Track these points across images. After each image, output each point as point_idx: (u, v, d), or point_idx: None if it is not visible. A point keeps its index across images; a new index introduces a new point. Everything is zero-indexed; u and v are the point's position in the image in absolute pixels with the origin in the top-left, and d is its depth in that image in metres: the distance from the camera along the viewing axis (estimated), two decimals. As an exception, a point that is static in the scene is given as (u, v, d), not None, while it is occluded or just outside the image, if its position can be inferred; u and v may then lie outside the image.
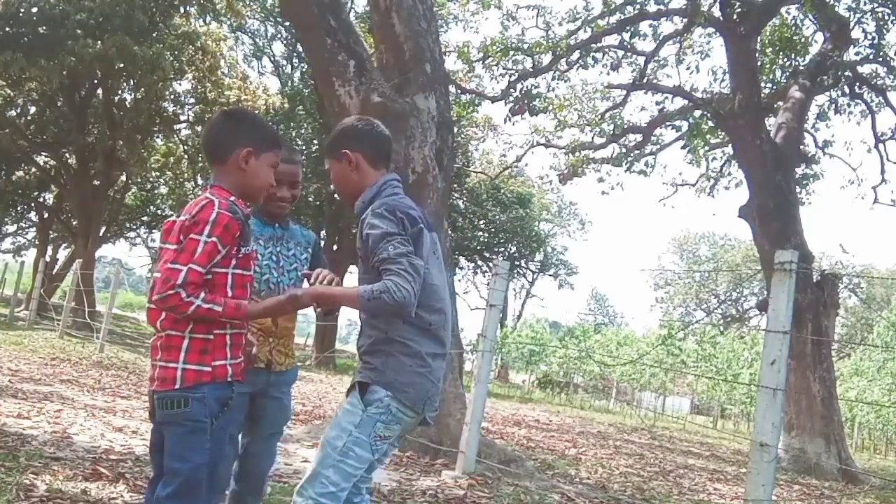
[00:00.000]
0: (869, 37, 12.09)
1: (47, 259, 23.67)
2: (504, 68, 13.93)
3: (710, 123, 13.17)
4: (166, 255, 2.06)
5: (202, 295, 2.03)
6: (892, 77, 12.65)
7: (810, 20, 12.53)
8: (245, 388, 2.50)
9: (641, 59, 13.72)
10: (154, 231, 29.73)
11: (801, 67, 12.37)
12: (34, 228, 28.09)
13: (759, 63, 11.97)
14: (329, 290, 2.29)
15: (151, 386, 2.12)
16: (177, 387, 2.03)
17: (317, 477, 2.19)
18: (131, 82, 18.49)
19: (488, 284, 6.00)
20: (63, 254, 26.85)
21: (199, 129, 19.32)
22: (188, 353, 2.06)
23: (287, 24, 19.25)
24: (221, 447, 2.11)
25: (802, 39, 12.95)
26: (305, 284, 2.47)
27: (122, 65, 16.25)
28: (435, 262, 2.33)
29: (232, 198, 2.16)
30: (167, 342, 2.09)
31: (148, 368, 2.20)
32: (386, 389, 2.21)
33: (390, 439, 2.27)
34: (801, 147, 12.25)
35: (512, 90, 13.71)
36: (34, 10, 15.48)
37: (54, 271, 23.09)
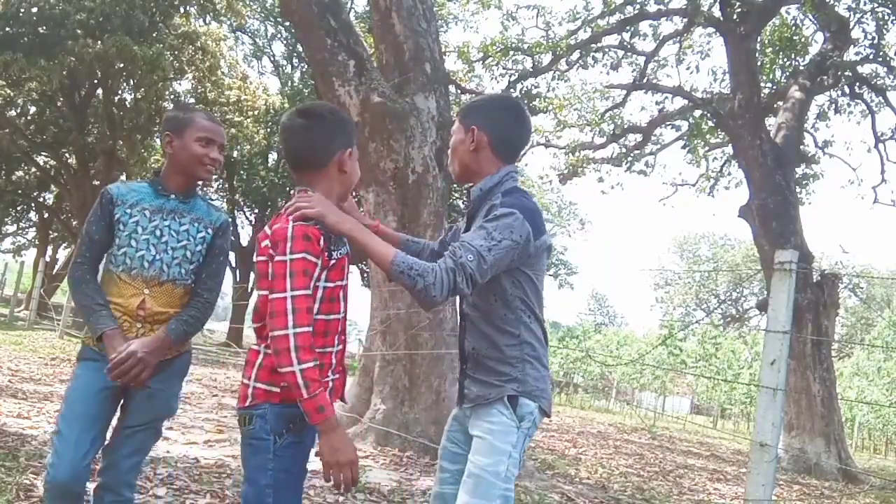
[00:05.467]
0: (869, 37, 12.11)
1: (47, 259, 23.67)
2: (504, 68, 13.96)
3: (710, 123, 13.19)
4: (264, 282, 1.92)
5: (310, 362, 1.80)
6: (892, 77, 12.65)
7: (810, 20, 12.54)
8: (105, 379, 2.20)
9: (641, 59, 13.74)
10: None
11: (801, 67, 12.39)
12: (34, 228, 28.09)
13: (759, 63, 11.98)
14: (361, 230, 1.92)
15: None
16: (247, 404, 1.94)
17: None
18: (131, 82, 18.51)
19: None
20: (63, 254, 26.84)
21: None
22: (260, 369, 1.95)
23: (287, 24, 19.23)
24: (289, 468, 1.93)
25: (802, 39, 12.97)
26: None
27: (122, 65, 16.27)
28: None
29: None
30: (248, 356, 2.00)
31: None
32: (533, 401, 1.99)
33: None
34: (801, 147, 12.26)
35: (512, 90, 13.72)
36: (34, 10, 15.48)
37: (54, 271, 23.08)
